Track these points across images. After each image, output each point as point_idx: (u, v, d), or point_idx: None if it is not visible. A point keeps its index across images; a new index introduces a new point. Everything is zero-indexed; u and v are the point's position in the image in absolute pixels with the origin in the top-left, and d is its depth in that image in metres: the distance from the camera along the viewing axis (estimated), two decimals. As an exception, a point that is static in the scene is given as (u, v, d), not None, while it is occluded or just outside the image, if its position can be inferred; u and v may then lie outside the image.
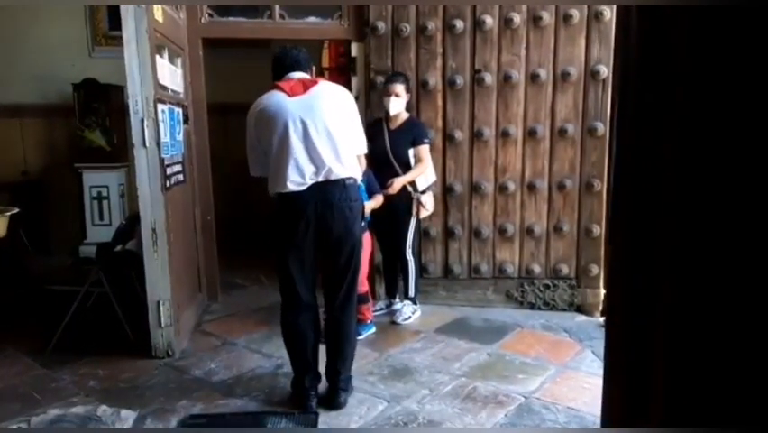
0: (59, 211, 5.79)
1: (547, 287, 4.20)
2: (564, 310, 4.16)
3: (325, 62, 5.64)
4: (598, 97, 3.96)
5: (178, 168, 3.66)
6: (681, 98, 0.88)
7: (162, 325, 3.35)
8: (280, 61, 2.80)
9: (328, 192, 2.64)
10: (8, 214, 3.60)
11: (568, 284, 4.18)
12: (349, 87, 3.89)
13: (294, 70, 2.76)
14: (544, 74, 3.97)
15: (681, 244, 0.90)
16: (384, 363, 3.33)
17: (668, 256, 0.94)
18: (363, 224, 3.14)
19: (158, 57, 3.36)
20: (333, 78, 5.29)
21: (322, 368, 2.93)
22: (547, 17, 3.90)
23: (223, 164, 4.94)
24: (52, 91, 5.61)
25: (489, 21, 3.93)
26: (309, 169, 2.61)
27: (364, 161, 2.98)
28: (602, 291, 4.08)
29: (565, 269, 4.16)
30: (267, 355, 3.45)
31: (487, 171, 4.12)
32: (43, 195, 5.79)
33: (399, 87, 3.73)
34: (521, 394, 2.96)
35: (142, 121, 3.18)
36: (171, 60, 3.75)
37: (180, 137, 3.76)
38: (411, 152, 3.80)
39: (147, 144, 3.22)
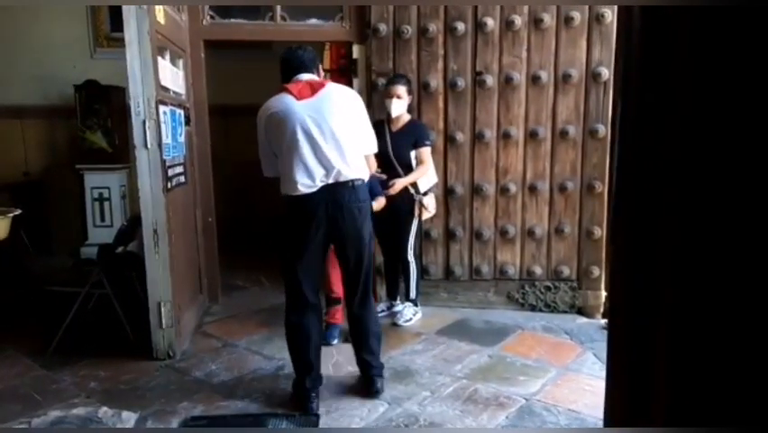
0: (61, 212, 5.80)
1: (548, 289, 4.19)
2: (565, 312, 4.16)
3: (327, 64, 5.64)
4: (599, 99, 3.96)
5: (179, 169, 3.67)
6: (682, 99, 0.88)
7: (163, 326, 3.35)
8: (287, 63, 2.83)
9: (338, 194, 2.69)
10: (10, 216, 3.61)
11: (569, 286, 4.18)
12: (350, 89, 3.89)
13: (301, 72, 2.79)
14: (546, 76, 3.97)
15: (682, 244, 0.90)
16: (385, 364, 3.31)
17: (669, 257, 0.94)
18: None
19: (159, 58, 3.36)
20: (334, 80, 5.29)
21: (323, 369, 2.96)
22: (548, 19, 3.90)
23: (224, 165, 4.95)
24: (54, 92, 5.62)
25: (491, 23, 3.93)
26: (319, 171, 2.65)
27: (374, 161, 3.02)
28: (603, 293, 4.08)
29: (566, 271, 4.16)
30: (268, 357, 3.45)
31: (488, 173, 4.12)
32: (44, 196, 5.80)
33: (401, 89, 3.73)
34: (522, 396, 2.96)
35: (144, 122, 3.19)
36: (173, 62, 3.75)
37: (182, 138, 3.76)
38: (413, 153, 3.80)
39: (148, 146, 3.22)
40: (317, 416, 2.75)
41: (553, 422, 2.73)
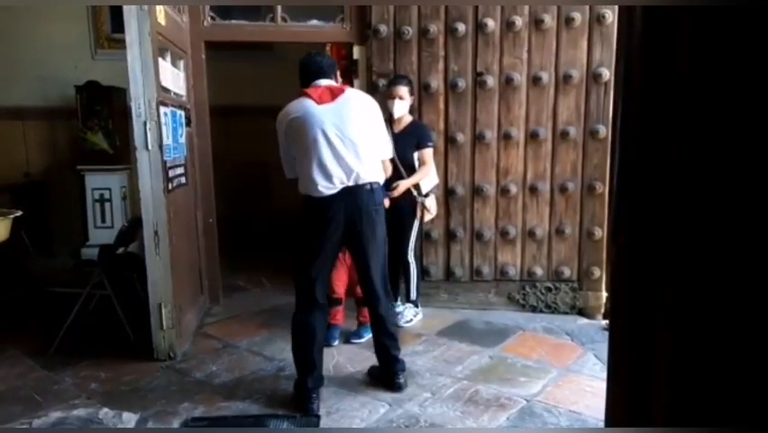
0: (62, 213, 5.81)
1: (549, 290, 4.19)
2: (566, 313, 4.16)
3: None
4: (599, 100, 3.96)
5: (180, 170, 3.67)
6: (683, 99, 0.88)
7: (164, 327, 3.35)
8: (306, 69, 2.89)
9: (357, 196, 2.76)
10: (11, 217, 3.61)
11: (570, 287, 4.17)
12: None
13: (320, 77, 2.85)
14: (546, 77, 3.97)
15: (683, 245, 0.90)
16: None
17: (670, 257, 0.94)
18: None
19: (160, 59, 3.36)
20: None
21: (323, 370, 2.97)
22: (549, 20, 3.91)
23: (224, 166, 4.95)
24: (55, 93, 5.63)
25: (491, 24, 3.94)
26: (338, 173, 2.72)
27: (389, 165, 3.10)
28: (604, 294, 4.08)
29: (567, 271, 4.16)
30: (268, 358, 3.45)
31: (489, 174, 4.12)
32: (45, 197, 5.80)
33: (403, 90, 3.73)
34: (523, 397, 2.96)
35: (145, 123, 3.19)
36: (174, 63, 3.75)
37: (182, 140, 3.77)
38: (416, 155, 3.79)
39: (149, 147, 3.22)
40: (318, 417, 2.75)
41: (554, 423, 2.73)
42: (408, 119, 3.85)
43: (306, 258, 2.83)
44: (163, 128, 3.29)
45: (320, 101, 2.73)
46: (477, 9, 3.95)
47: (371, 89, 4.08)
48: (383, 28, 4.01)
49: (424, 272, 4.20)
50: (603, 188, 4.01)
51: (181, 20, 3.95)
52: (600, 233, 4.06)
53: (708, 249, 0.85)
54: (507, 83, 4.00)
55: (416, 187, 3.83)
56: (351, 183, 2.73)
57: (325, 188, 2.71)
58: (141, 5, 3.14)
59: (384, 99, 3.83)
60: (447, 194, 4.15)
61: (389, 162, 3.09)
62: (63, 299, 3.66)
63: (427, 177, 3.86)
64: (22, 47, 5.61)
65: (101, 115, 5.52)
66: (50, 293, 3.81)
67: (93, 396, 2.99)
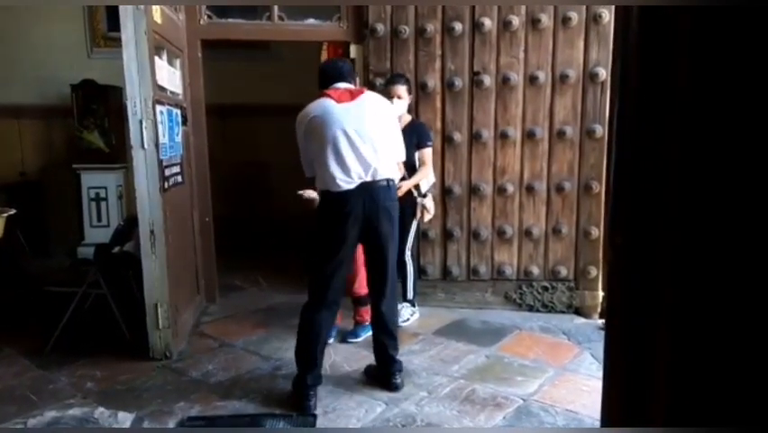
0: (57, 212, 5.80)
1: (546, 289, 4.20)
2: (563, 312, 4.16)
3: (324, 64, 5.64)
4: (596, 99, 3.96)
5: (176, 169, 3.66)
6: (680, 99, 0.88)
7: (160, 327, 3.34)
8: (327, 72, 2.98)
9: (374, 192, 2.80)
10: (5, 215, 3.60)
11: (566, 286, 4.18)
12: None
13: (339, 81, 2.92)
14: (543, 76, 3.97)
15: (680, 244, 0.90)
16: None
17: (668, 257, 0.94)
18: None
19: (156, 58, 3.36)
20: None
21: (323, 370, 2.97)
22: (546, 19, 3.91)
23: (221, 165, 4.94)
24: (51, 92, 5.61)
25: (488, 23, 3.94)
26: (357, 169, 2.76)
27: (401, 167, 3.18)
28: (601, 293, 4.08)
29: (564, 271, 4.16)
30: (265, 357, 3.45)
31: (485, 173, 4.12)
32: (41, 196, 5.79)
33: (401, 89, 3.71)
34: (519, 397, 2.96)
35: (141, 122, 3.18)
36: (170, 62, 3.75)
37: (179, 138, 3.76)
38: (416, 154, 3.78)
39: (145, 146, 3.21)
40: (314, 416, 2.75)
41: (550, 422, 2.73)
42: (408, 118, 3.84)
43: (323, 255, 2.85)
44: (159, 127, 3.28)
45: (339, 100, 2.79)
46: (474, 8, 3.95)
47: (368, 89, 4.07)
48: (380, 27, 4.01)
49: (421, 272, 4.20)
50: (600, 188, 4.02)
51: (177, 18, 3.94)
52: (597, 232, 4.06)
53: (706, 249, 0.85)
54: (503, 82, 4.00)
55: (416, 187, 3.82)
56: (368, 178, 2.78)
57: (344, 183, 2.75)
58: (137, 5, 3.13)
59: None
60: (444, 193, 4.15)
61: (402, 165, 3.16)
62: (59, 298, 3.65)
63: (426, 177, 3.86)
64: (17, 46, 5.59)
65: (97, 113, 5.51)
66: (46, 292, 3.80)
67: (88, 395, 2.98)
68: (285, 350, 3.51)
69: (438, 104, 4.08)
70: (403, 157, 3.11)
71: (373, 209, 2.80)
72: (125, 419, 2.71)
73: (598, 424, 1.16)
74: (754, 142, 0.77)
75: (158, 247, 3.29)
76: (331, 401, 2.89)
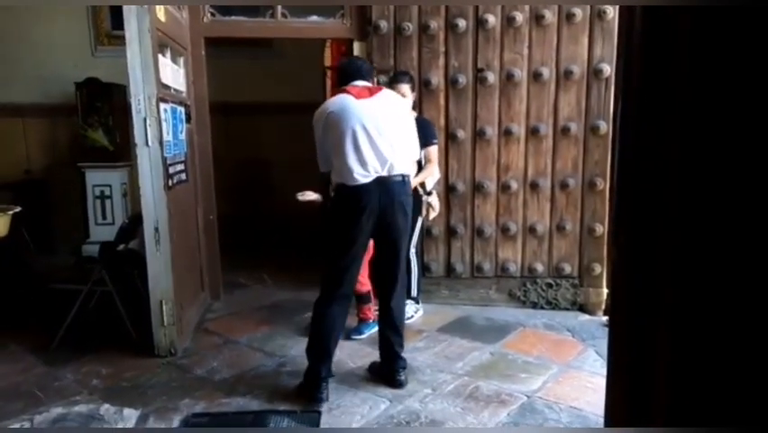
0: (62, 210, 5.82)
1: (550, 286, 4.19)
2: (567, 309, 4.16)
3: (328, 61, 5.65)
4: (600, 96, 3.95)
5: (180, 167, 3.67)
6: (683, 98, 0.88)
7: (165, 324, 3.35)
8: (346, 70, 3.03)
9: (390, 186, 2.84)
10: (10, 213, 3.62)
11: (571, 283, 4.18)
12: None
13: (358, 79, 2.95)
14: (547, 72, 3.96)
15: (683, 243, 0.90)
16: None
17: (670, 256, 0.94)
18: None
19: (160, 56, 3.36)
20: (334, 77, 5.30)
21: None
22: (550, 16, 3.90)
23: (225, 163, 4.95)
24: (55, 90, 5.63)
25: (492, 19, 3.93)
26: (374, 162, 2.79)
27: (415, 167, 3.23)
28: (605, 290, 4.08)
29: (568, 268, 4.16)
30: (269, 354, 3.46)
31: (489, 170, 4.12)
32: (46, 194, 5.81)
33: (405, 87, 3.69)
34: (524, 393, 2.96)
35: (145, 120, 3.19)
36: (174, 60, 3.75)
37: (183, 136, 3.77)
38: (422, 152, 3.77)
39: (149, 144, 3.22)
40: (319, 413, 2.75)
41: (554, 419, 2.73)
42: (413, 115, 3.83)
43: (338, 248, 2.88)
44: (163, 124, 3.29)
45: (359, 96, 2.83)
46: (477, 5, 3.94)
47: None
48: (383, 24, 4.00)
49: (425, 269, 4.20)
50: (604, 185, 4.01)
51: (181, 16, 3.95)
52: (601, 229, 4.06)
53: (708, 248, 0.85)
54: (507, 79, 3.99)
55: (421, 185, 3.82)
56: (384, 173, 2.81)
57: (361, 176, 2.77)
58: (141, 4, 3.13)
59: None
60: (448, 190, 4.15)
61: (415, 164, 3.19)
62: (64, 295, 3.67)
63: (432, 175, 3.86)
64: (22, 45, 5.61)
65: (101, 111, 5.51)
66: (52, 290, 3.82)
67: (94, 392, 3.00)
68: (289, 347, 3.52)
69: (442, 101, 4.07)
70: (416, 156, 3.14)
71: (388, 204, 2.82)
72: (130, 415, 2.72)
73: (602, 421, 1.16)
74: (755, 142, 0.77)
75: (162, 245, 3.30)
76: (335, 398, 2.90)
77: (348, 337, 3.63)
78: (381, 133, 2.79)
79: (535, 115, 4.03)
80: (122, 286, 3.75)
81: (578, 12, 3.87)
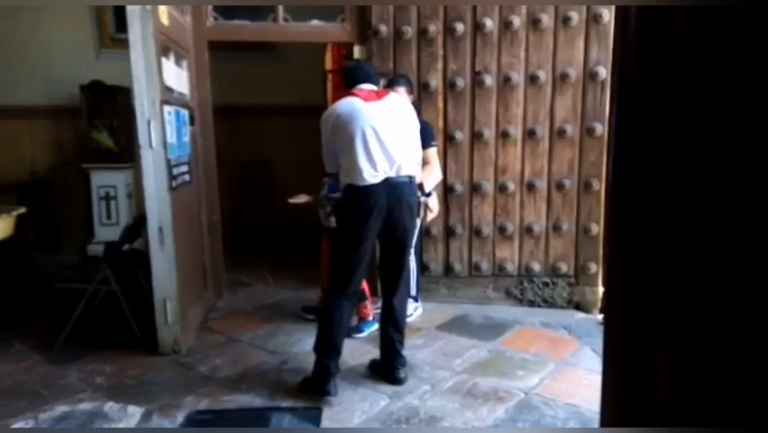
0: (67, 211, 5.86)
1: (546, 284, 4.25)
2: (563, 308, 4.21)
3: (328, 65, 5.69)
4: (596, 98, 4.01)
5: (184, 168, 3.72)
6: (679, 100, 0.88)
7: (169, 322, 3.40)
8: (353, 73, 3.09)
9: (397, 187, 2.89)
10: (15, 214, 3.67)
11: (567, 282, 4.23)
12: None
13: (365, 82, 3.01)
14: (544, 75, 4.02)
15: (678, 242, 0.90)
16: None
17: (665, 255, 0.93)
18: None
19: (164, 59, 3.41)
20: (335, 80, 5.35)
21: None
22: (546, 20, 3.95)
23: (228, 165, 4.99)
24: (60, 93, 5.67)
25: (489, 23, 3.98)
26: (383, 163, 2.84)
27: (420, 169, 3.25)
28: (600, 289, 4.13)
29: (564, 267, 4.21)
30: (272, 352, 3.51)
31: (487, 171, 4.17)
32: (51, 195, 5.85)
33: (401, 90, 3.74)
34: (521, 390, 3.01)
35: (149, 122, 3.23)
36: (177, 63, 3.80)
37: (186, 138, 3.82)
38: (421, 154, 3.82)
39: (153, 146, 3.27)
40: (320, 409, 2.79)
41: (551, 416, 2.78)
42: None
43: (347, 247, 2.92)
44: (167, 127, 3.34)
45: (367, 99, 2.89)
46: (475, 9, 4.00)
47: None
48: (383, 28, 4.06)
49: (424, 268, 4.25)
50: (599, 186, 4.06)
51: (184, 20, 4.00)
52: (597, 229, 4.11)
53: (704, 247, 0.85)
54: (504, 82, 4.05)
55: (420, 186, 3.85)
56: (392, 174, 2.86)
57: (370, 176, 2.82)
58: (144, 5, 3.18)
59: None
60: (446, 191, 4.21)
61: (419, 167, 3.23)
62: (69, 294, 3.71)
63: (430, 176, 3.90)
64: (26, 47, 5.66)
65: (106, 113, 5.56)
66: (57, 289, 3.86)
67: (98, 390, 3.03)
68: (291, 345, 3.57)
69: (440, 103, 4.13)
70: (420, 157, 3.20)
71: (396, 204, 2.88)
72: (134, 412, 2.75)
73: (597, 417, 1.18)
74: (753, 142, 0.78)
75: (166, 244, 3.35)
76: (336, 395, 2.94)
77: (348, 336, 3.67)
78: (390, 135, 2.85)
79: (532, 117, 4.09)
80: (126, 285, 3.78)
81: (574, 16, 3.92)
